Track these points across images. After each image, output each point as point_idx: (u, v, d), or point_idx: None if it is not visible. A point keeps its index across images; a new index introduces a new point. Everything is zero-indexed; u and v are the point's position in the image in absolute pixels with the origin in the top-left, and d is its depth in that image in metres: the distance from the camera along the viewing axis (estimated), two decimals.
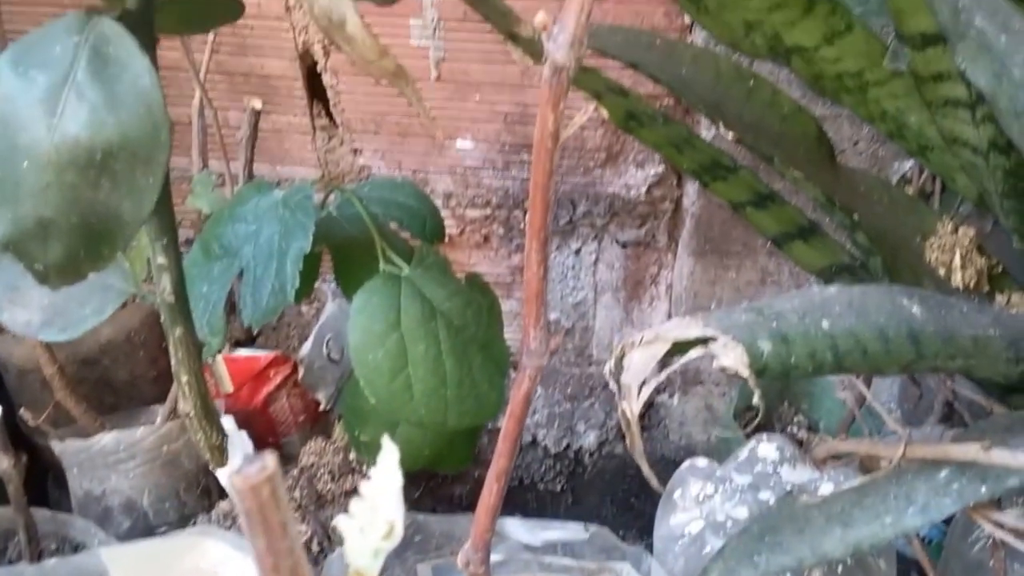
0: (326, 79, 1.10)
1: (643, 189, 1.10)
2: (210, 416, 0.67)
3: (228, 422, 0.70)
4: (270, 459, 0.22)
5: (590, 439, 1.28)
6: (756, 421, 1.09)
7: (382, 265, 0.74)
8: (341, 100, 1.12)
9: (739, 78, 0.65)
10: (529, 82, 1.06)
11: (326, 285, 1.20)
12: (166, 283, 0.61)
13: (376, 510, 0.26)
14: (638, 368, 0.48)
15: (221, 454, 0.69)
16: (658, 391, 1.29)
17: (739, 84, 0.65)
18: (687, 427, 1.26)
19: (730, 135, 0.59)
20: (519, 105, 1.07)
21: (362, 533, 0.26)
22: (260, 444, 1.11)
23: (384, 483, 0.26)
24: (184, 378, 0.65)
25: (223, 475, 0.72)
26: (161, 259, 0.60)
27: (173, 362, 0.65)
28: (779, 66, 0.65)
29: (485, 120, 1.09)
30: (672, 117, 0.66)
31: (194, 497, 0.97)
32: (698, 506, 0.71)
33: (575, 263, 1.20)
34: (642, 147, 1.08)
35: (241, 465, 0.22)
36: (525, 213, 1.17)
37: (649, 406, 1.30)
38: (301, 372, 1.08)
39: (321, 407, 1.11)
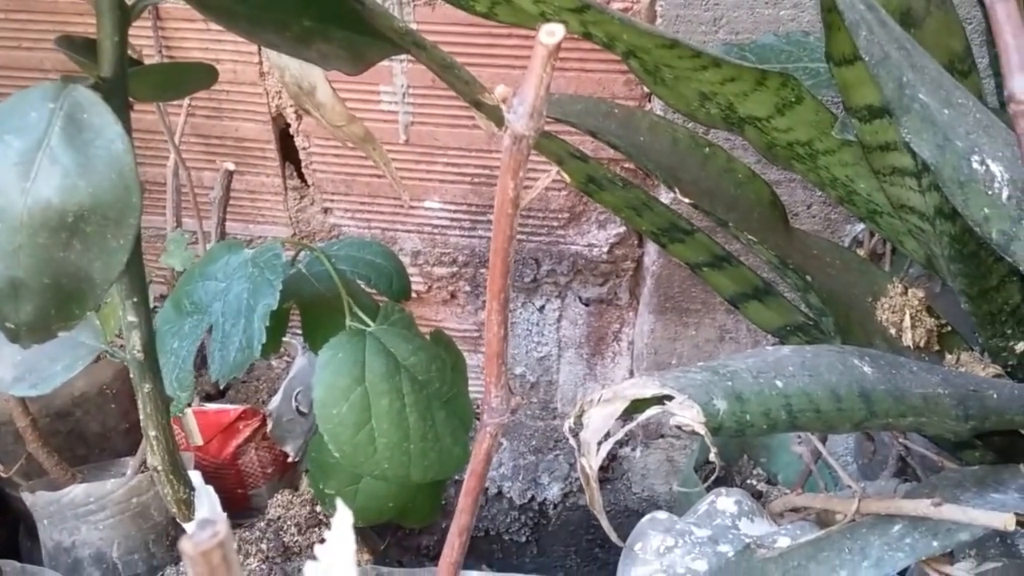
0: (298, 141, 1.12)
1: (605, 248, 1.12)
2: (177, 471, 0.68)
3: (196, 477, 0.71)
4: (221, 525, 0.23)
5: (554, 491, 1.29)
6: (715, 475, 1.11)
7: (348, 321, 0.75)
8: (312, 161, 1.14)
9: (695, 145, 0.68)
10: (496, 146, 1.09)
11: (296, 340, 1.21)
12: (136, 340, 0.62)
13: (330, 572, 0.27)
14: (597, 425, 0.50)
15: (188, 508, 0.70)
16: (621, 444, 1.30)
17: (696, 151, 0.68)
18: (649, 479, 1.27)
19: (686, 200, 0.62)
20: (485, 168, 1.10)
21: None
22: (229, 496, 1.10)
23: (338, 546, 0.27)
24: (152, 433, 0.66)
25: (190, 529, 0.72)
26: (131, 317, 0.61)
27: (142, 416, 0.65)
28: (733, 134, 0.68)
29: (452, 181, 1.12)
30: (632, 181, 0.68)
31: (163, 549, 0.96)
32: (659, 558, 0.73)
33: (539, 319, 1.22)
34: (604, 208, 1.11)
35: (194, 531, 0.23)
36: None
37: (612, 459, 1.31)
38: (270, 425, 1.08)
39: (290, 459, 1.11)
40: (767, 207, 0.72)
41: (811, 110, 0.63)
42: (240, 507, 1.15)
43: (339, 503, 0.27)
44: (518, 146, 0.43)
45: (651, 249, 1.10)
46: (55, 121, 0.50)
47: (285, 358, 1.22)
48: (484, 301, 1.21)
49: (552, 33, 0.41)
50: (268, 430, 1.10)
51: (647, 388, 0.49)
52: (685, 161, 0.67)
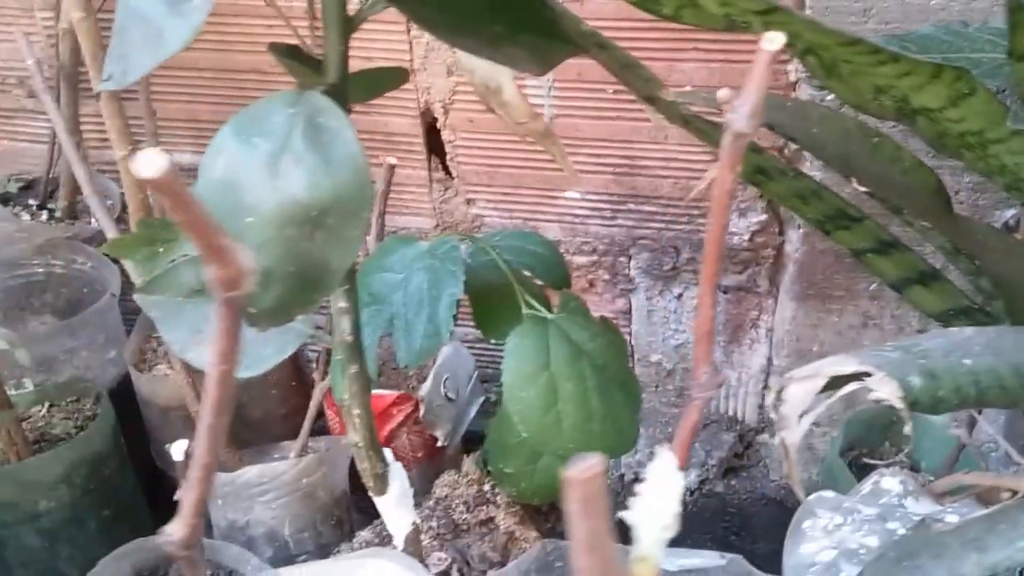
0: (445, 135, 1.18)
1: (746, 236, 1.15)
2: (376, 447, 0.73)
3: (388, 454, 0.77)
4: (598, 459, 0.28)
5: (691, 477, 1.32)
6: (862, 460, 1.13)
7: (524, 309, 0.80)
8: (458, 154, 1.19)
9: (864, 135, 0.70)
10: (637, 137, 1.12)
11: None
12: (345, 324, 0.68)
13: (655, 506, 0.31)
14: (796, 401, 0.53)
15: (383, 482, 0.75)
16: (758, 431, 1.33)
17: (864, 141, 0.70)
18: None
19: (862, 189, 0.64)
20: (626, 158, 1.13)
21: (645, 525, 0.31)
22: None
23: (662, 483, 0.31)
24: (356, 411, 0.71)
25: (382, 503, 0.78)
26: (342, 303, 0.67)
27: (347, 396, 0.71)
28: (895, 124, 0.70)
29: (594, 172, 1.16)
30: (802, 171, 0.71)
31: (329, 527, 1.03)
32: (827, 536, 0.75)
33: (677, 307, 1.25)
34: (745, 197, 1.13)
35: (576, 464, 0.28)
36: (630, 259, 1.22)
37: (748, 446, 1.33)
38: (422, 410, 1.14)
39: (438, 443, 1.17)
40: (932, 194, 0.74)
41: (983, 101, 0.65)
42: None
43: (663, 449, 0.31)
44: (738, 143, 0.46)
45: (793, 237, 1.12)
46: (296, 124, 0.56)
47: None
48: (622, 289, 1.25)
49: (772, 40, 0.44)
50: (420, 415, 1.16)
51: (846, 365, 0.52)
52: (855, 150, 0.69)
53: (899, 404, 0.51)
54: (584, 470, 0.28)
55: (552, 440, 0.73)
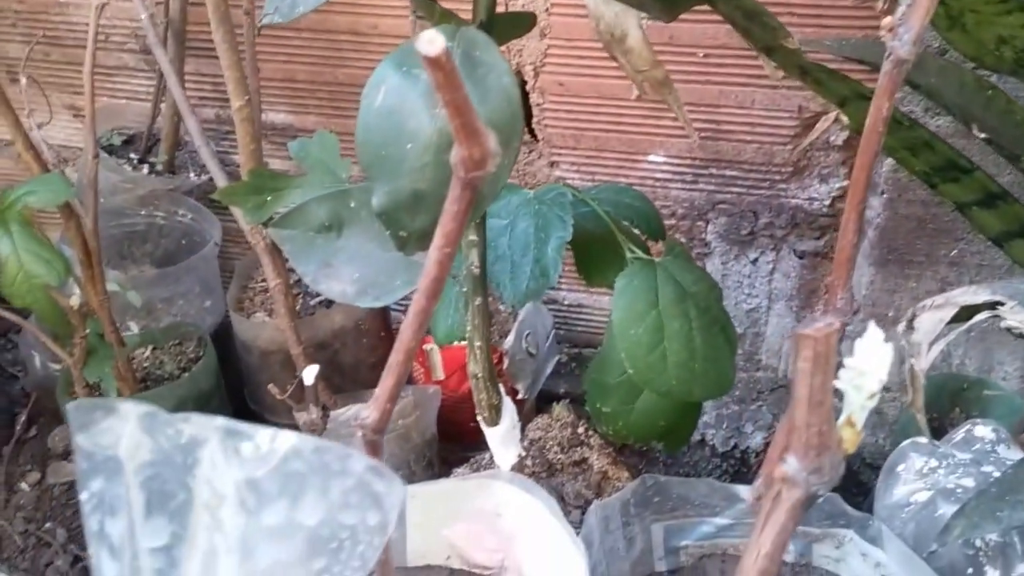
0: (533, 98, 1.21)
1: (827, 202, 1.17)
2: (493, 379, 0.77)
3: (501, 389, 0.80)
4: (834, 318, 0.31)
5: (757, 440, 1.34)
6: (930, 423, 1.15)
7: (628, 255, 0.83)
8: (545, 117, 1.22)
9: (979, 88, 0.72)
10: (723, 102, 1.14)
11: None
12: (474, 257, 0.71)
13: (863, 375, 0.34)
14: (927, 329, 0.56)
15: (496, 414, 0.79)
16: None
17: (979, 93, 0.72)
18: None
19: (982, 136, 0.66)
20: (712, 122, 1.16)
21: (854, 391, 0.34)
22: (462, 429, 1.20)
23: (870, 356, 0.34)
24: (477, 343, 0.75)
25: (493, 434, 0.81)
26: (473, 236, 0.70)
27: (469, 329, 0.75)
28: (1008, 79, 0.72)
29: (679, 136, 1.18)
30: (918, 122, 0.73)
31: (421, 468, 1.07)
32: (922, 478, 0.78)
33: (751, 272, 1.27)
34: (827, 162, 1.15)
35: (810, 324, 0.31)
36: (707, 224, 1.25)
37: None
38: (506, 362, 1.17)
39: (519, 396, 1.20)
40: None
41: None
42: (473, 440, 1.25)
43: (871, 325, 0.34)
44: (898, 69, 0.49)
45: (875, 203, 1.14)
46: (454, 56, 0.59)
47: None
48: (698, 253, 1.28)
49: None
50: (504, 368, 1.19)
51: (979, 295, 0.55)
52: (970, 101, 0.72)
53: None
54: (819, 328, 0.31)
55: (656, 378, 0.76)
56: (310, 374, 0.76)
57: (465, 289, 0.73)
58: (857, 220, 0.53)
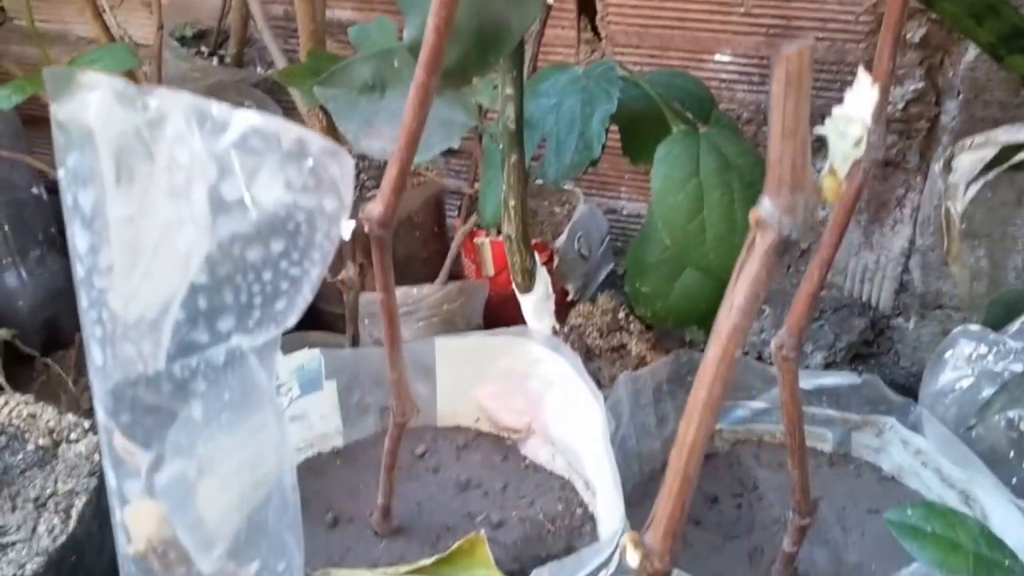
0: None
1: (900, 106, 1.12)
2: (527, 242, 0.76)
3: (536, 256, 0.79)
4: (805, 42, 0.30)
5: (817, 359, 1.31)
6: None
7: (675, 129, 0.81)
8: (609, 13, 1.20)
9: None
10: None
11: (578, 188, 1.29)
12: (510, 112, 0.70)
13: (850, 122, 0.33)
14: (966, 169, 0.53)
15: (529, 279, 0.79)
16: (895, 315, 1.31)
17: None
18: (920, 352, 1.27)
19: None
20: (782, 18, 1.12)
21: (839, 138, 0.33)
22: (511, 325, 1.21)
23: (859, 102, 0.33)
24: (512, 203, 0.74)
25: (527, 300, 0.81)
26: (508, 90, 0.69)
27: (504, 188, 0.74)
28: None
29: (747, 33, 1.14)
30: None
31: None
32: (969, 365, 0.75)
33: (816, 179, 1.23)
34: (902, 63, 1.10)
35: (783, 46, 0.30)
36: None
37: (879, 333, 1.32)
38: (556, 260, 1.16)
39: (568, 297, 1.20)
40: None
41: None
42: None
43: (860, 72, 0.32)
44: None
45: (950, 107, 1.09)
46: None
47: (566, 205, 1.31)
48: None
49: None
50: (554, 266, 1.19)
51: (1021, 133, 0.52)
52: None
53: None
54: (796, 45, 0.30)
55: (694, 249, 0.74)
56: (347, 229, 0.76)
57: (502, 146, 0.72)
58: (892, 44, 0.51)
